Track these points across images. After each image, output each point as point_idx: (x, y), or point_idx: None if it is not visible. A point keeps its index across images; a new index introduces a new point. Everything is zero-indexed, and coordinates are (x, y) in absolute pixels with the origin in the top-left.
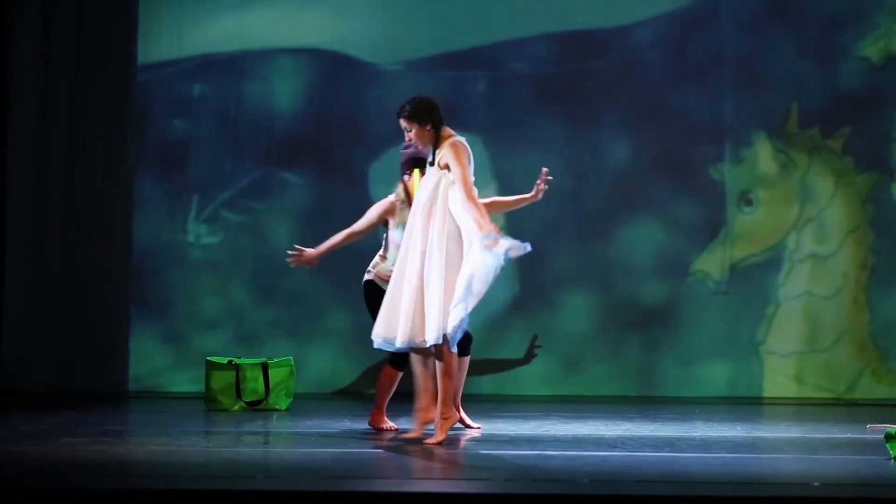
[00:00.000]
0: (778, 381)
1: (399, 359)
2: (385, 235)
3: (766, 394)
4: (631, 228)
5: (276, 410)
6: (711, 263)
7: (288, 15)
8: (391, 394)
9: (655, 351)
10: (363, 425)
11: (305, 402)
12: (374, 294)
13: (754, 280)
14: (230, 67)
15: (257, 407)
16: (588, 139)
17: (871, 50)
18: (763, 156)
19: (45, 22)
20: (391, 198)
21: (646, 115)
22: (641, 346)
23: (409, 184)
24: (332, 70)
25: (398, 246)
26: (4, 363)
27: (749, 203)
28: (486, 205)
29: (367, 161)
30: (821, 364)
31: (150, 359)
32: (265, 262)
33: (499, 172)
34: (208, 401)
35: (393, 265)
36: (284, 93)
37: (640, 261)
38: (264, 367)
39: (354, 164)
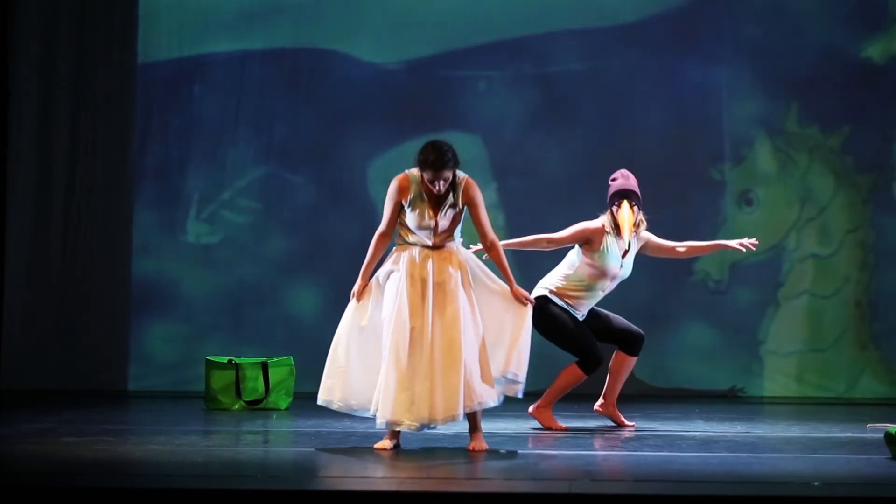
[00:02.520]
0: (778, 380)
1: (592, 362)
2: (577, 258)
3: (767, 393)
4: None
5: (276, 410)
6: (712, 263)
7: (287, 14)
8: (622, 381)
9: (656, 350)
10: (363, 424)
11: (305, 402)
12: (548, 310)
13: (755, 280)
14: (230, 67)
15: (257, 406)
16: (587, 139)
17: (873, 50)
18: (763, 155)
19: (46, 21)
20: (598, 223)
21: (646, 115)
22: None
23: (617, 215)
24: (331, 69)
25: (592, 274)
26: (5, 362)
27: (749, 203)
28: (686, 248)
29: (367, 160)
30: (821, 363)
31: (150, 358)
32: (265, 262)
33: (498, 172)
34: (208, 400)
35: (577, 283)
36: (284, 92)
37: (640, 260)
38: (264, 367)
39: (354, 163)
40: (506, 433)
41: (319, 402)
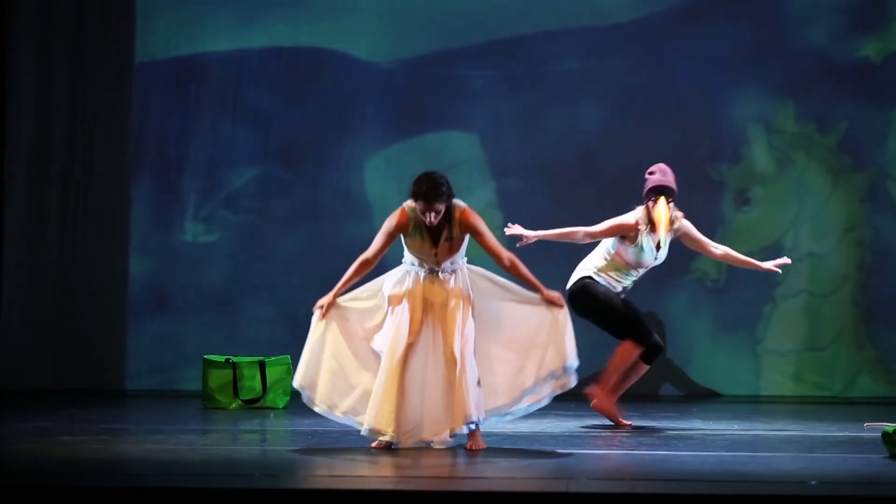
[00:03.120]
0: (775, 379)
1: (654, 354)
2: (612, 248)
3: (764, 392)
4: None
5: (274, 409)
6: (709, 262)
7: (285, 13)
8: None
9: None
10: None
11: (303, 401)
12: (594, 289)
13: (752, 279)
14: (228, 65)
15: (255, 405)
16: (585, 138)
17: (870, 49)
18: (760, 155)
19: (43, 20)
20: (632, 218)
21: (643, 115)
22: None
23: (653, 211)
24: (328, 68)
25: (627, 263)
26: (2, 361)
27: (747, 202)
28: (723, 254)
29: (364, 159)
30: (818, 362)
31: (147, 357)
32: (262, 261)
33: (495, 172)
34: (206, 399)
35: (613, 270)
36: (281, 91)
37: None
38: (261, 366)
39: (351, 162)
40: (503, 432)
41: (318, 409)
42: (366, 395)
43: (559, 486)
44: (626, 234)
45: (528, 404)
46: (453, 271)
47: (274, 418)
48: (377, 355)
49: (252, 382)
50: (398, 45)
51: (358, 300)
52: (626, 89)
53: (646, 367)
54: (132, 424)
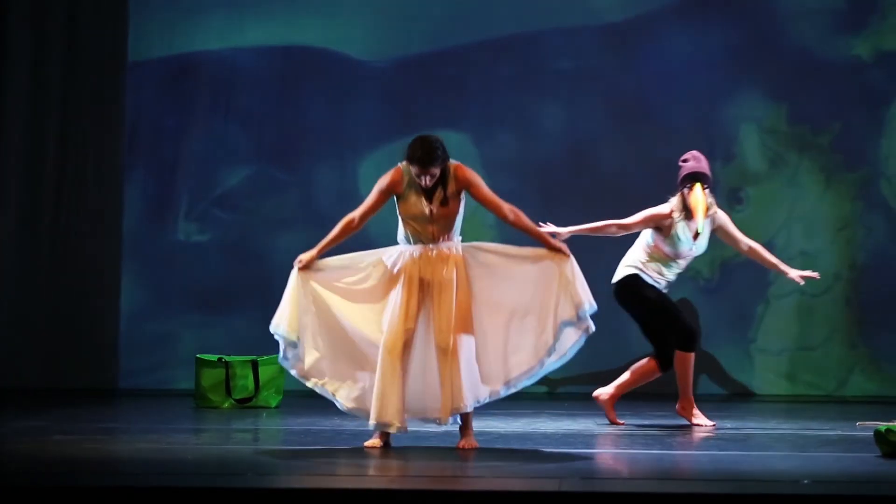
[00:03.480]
0: (769, 378)
1: (691, 339)
2: (650, 240)
3: (757, 391)
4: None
5: (266, 408)
6: (703, 262)
7: (278, 12)
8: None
9: (645, 348)
10: (353, 423)
11: (295, 400)
12: (641, 285)
13: (744, 278)
14: (221, 65)
15: (247, 404)
16: (577, 137)
17: (862, 48)
18: (753, 154)
19: (36, 20)
20: (667, 208)
21: (634, 114)
22: (631, 344)
23: (689, 198)
24: (322, 67)
25: (666, 255)
26: None
27: (739, 201)
28: (749, 249)
29: (358, 159)
30: (811, 361)
31: (139, 356)
32: (256, 260)
33: (488, 171)
34: (198, 398)
35: (655, 263)
36: (275, 90)
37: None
38: (254, 365)
39: (345, 161)
40: (496, 431)
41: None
42: (336, 366)
43: (551, 486)
44: (661, 225)
45: (552, 361)
46: (449, 248)
47: (266, 417)
48: (353, 323)
49: (245, 382)
50: (391, 45)
51: (344, 268)
52: (619, 89)
53: (658, 374)
54: (125, 423)
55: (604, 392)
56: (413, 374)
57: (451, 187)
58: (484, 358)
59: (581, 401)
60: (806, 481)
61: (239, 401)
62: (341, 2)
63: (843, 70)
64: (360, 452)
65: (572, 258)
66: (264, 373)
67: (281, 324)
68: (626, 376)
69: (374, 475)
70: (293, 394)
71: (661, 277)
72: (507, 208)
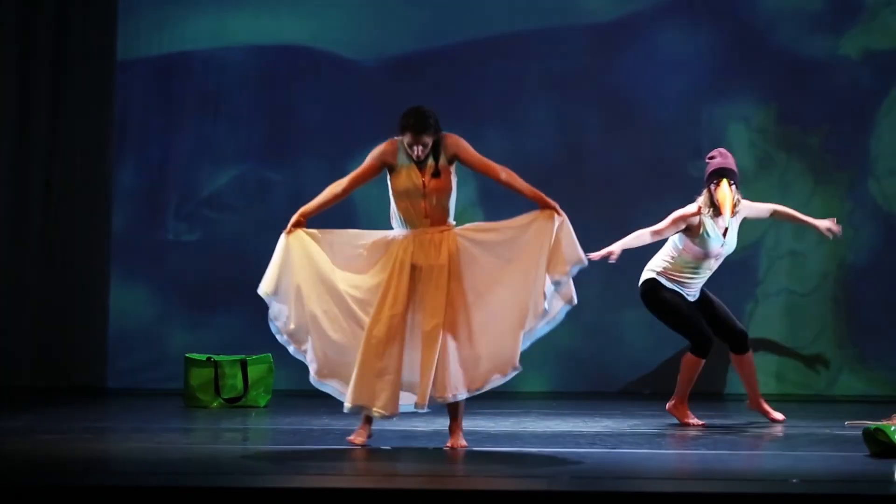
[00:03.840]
0: (757, 377)
1: (704, 345)
2: (679, 243)
3: (746, 390)
4: (608, 225)
5: (255, 407)
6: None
7: (267, 11)
8: (693, 384)
9: (635, 348)
10: (342, 422)
11: (284, 399)
12: (659, 294)
13: (733, 277)
14: (210, 64)
15: (236, 404)
16: (566, 136)
17: (850, 47)
18: (742, 153)
19: (24, 18)
20: (693, 207)
21: (623, 113)
22: (621, 344)
23: (716, 194)
24: (311, 67)
25: (696, 256)
26: None
27: None
28: (773, 212)
29: (347, 158)
30: (800, 361)
31: (128, 355)
32: (245, 259)
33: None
34: (187, 398)
35: (683, 265)
36: (264, 90)
37: (619, 258)
38: (243, 364)
39: (334, 161)
40: (484, 431)
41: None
42: (317, 336)
43: (540, 485)
44: (690, 225)
45: (542, 325)
46: (442, 232)
47: (255, 417)
48: (339, 295)
49: (234, 381)
50: (381, 44)
51: (339, 242)
52: (608, 88)
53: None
54: (114, 423)
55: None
56: (396, 361)
57: (443, 158)
58: (471, 350)
59: (569, 400)
60: (795, 480)
61: (228, 400)
62: (331, 1)
63: (832, 70)
64: (349, 452)
65: (565, 218)
66: (253, 372)
67: (262, 285)
68: (742, 379)
69: (363, 475)
70: (282, 393)
71: (688, 280)
72: (500, 168)
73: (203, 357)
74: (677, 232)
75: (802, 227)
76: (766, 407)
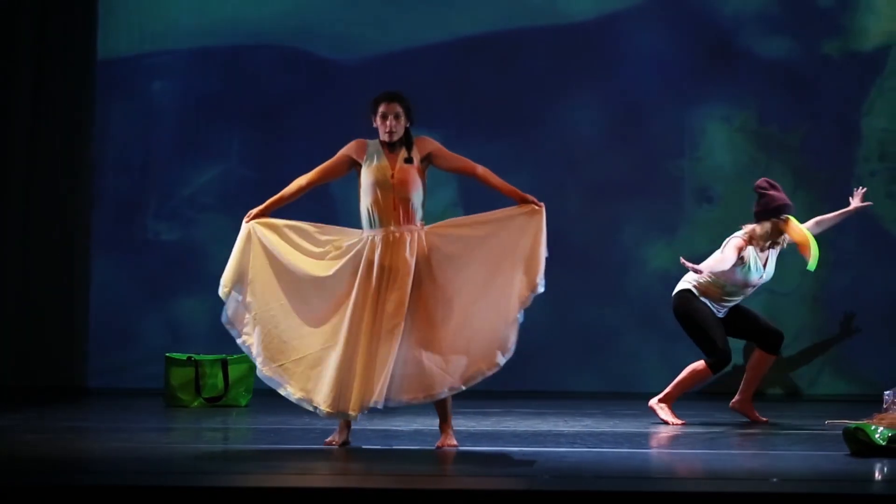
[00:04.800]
0: (738, 377)
1: (723, 363)
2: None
3: (727, 389)
4: (590, 224)
5: (236, 407)
6: (672, 260)
7: (248, 11)
8: (760, 379)
9: (616, 348)
10: (323, 422)
11: (265, 399)
12: (693, 303)
13: None
14: (190, 63)
15: (217, 403)
16: (546, 136)
17: (832, 47)
18: (722, 153)
19: (3, 17)
20: (742, 240)
21: (605, 113)
22: (601, 343)
23: (790, 232)
24: (291, 65)
25: (735, 283)
26: None
27: (708, 200)
28: (814, 223)
29: (327, 158)
30: (780, 360)
31: (108, 355)
32: (225, 259)
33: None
34: (167, 397)
35: (720, 288)
36: (244, 88)
37: (598, 257)
38: (224, 364)
39: (314, 161)
40: (465, 430)
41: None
42: (267, 328)
43: (521, 485)
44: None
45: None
46: (410, 232)
47: (236, 416)
48: (298, 288)
49: (214, 380)
50: (363, 43)
51: (303, 234)
52: (589, 87)
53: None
54: (94, 422)
55: (736, 400)
56: (357, 362)
57: (415, 151)
58: (448, 348)
59: (550, 399)
60: (775, 479)
61: (208, 399)
62: (311, 1)
63: (814, 70)
64: (330, 451)
65: (542, 214)
66: (234, 372)
67: (221, 280)
68: (747, 376)
69: (344, 474)
70: (263, 393)
71: (723, 301)
72: (475, 165)
73: (183, 356)
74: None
75: None
76: (752, 409)
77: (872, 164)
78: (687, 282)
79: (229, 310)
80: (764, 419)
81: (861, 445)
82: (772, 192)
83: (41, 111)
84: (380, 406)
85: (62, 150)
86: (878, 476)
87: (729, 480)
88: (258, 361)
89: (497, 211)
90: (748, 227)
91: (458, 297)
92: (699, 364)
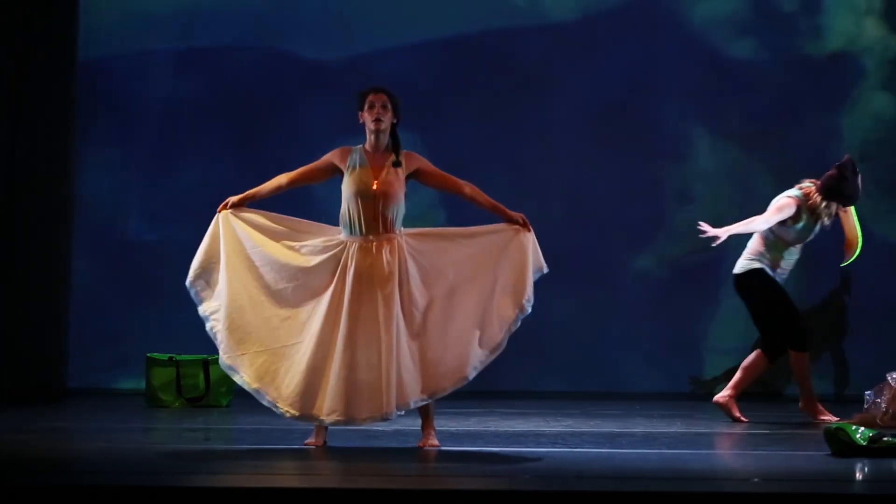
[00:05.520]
0: (719, 377)
1: (808, 335)
2: (768, 233)
3: (707, 390)
4: (570, 225)
5: (217, 407)
6: (653, 260)
7: (229, 11)
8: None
9: (597, 348)
10: (304, 423)
11: (246, 399)
12: (763, 278)
13: (695, 277)
14: (172, 63)
15: (198, 404)
16: (528, 136)
17: (812, 48)
18: (704, 153)
19: None
20: (794, 200)
21: (585, 113)
22: (583, 343)
23: (847, 221)
24: (272, 66)
25: (787, 243)
26: None
27: (689, 200)
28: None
29: (310, 158)
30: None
31: (90, 355)
32: None
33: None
34: (149, 397)
35: (776, 253)
36: (227, 89)
37: (580, 258)
38: (205, 364)
39: (297, 160)
40: (446, 430)
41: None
42: (233, 316)
43: (502, 485)
44: (790, 214)
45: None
46: (390, 240)
47: (217, 417)
48: (268, 277)
49: (195, 381)
50: (343, 44)
51: (278, 225)
52: (568, 88)
53: (769, 366)
54: (75, 423)
55: (722, 395)
56: (334, 369)
57: (403, 161)
58: (423, 356)
59: (531, 399)
60: (756, 479)
61: (189, 400)
62: (290, 1)
63: (795, 70)
64: (311, 452)
65: (530, 234)
66: (215, 372)
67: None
68: (739, 375)
69: (325, 474)
70: (243, 393)
71: (781, 268)
72: (463, 183)
73: (165, 357)
74: (782, 219)
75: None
76: (736, 408)
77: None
78: (752, 259)
79: (198, 297)
80: (745, 419)
81: (842, 445)
82: (851, 179)
83: (23, 111)
84: (391, 417)
85: (44, 152)
86: (858, 476)
87: (710, 480)
88: (220, 349)
89: (481, 227)
90: (806, 188)
91: (432, 310)
92: (795, 355)
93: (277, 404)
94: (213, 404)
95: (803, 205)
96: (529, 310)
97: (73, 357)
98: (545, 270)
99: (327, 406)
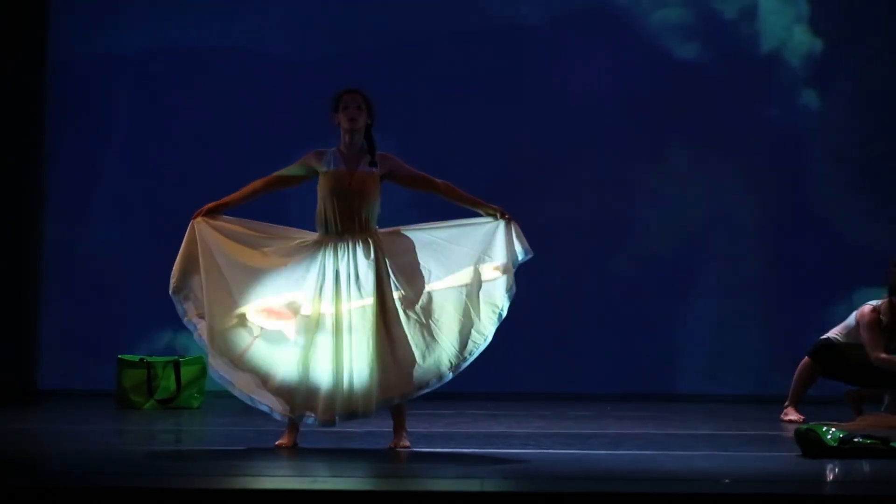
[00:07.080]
0: (690, 378)
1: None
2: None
3: (678, 391)
4: (543, 225)
5: (188, 408)
6: (622, 263)
7: (199, 12)
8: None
9: (570, 349)
10: (275, 424)
11: (217, 401)
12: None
13: (667, 278)
14: (144, 64)
15: (169, 405)
16: (503, 138)
17: (785, 48)
18: (676, 154)
19: None
20: (874, 314)
21: (559, 114)
22: (555, 345)
23: None
24: (248, 67)
25: None
26: None
27: (661, 201)
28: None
29: (284, 162)
30: (731, 361)
31: (61, 356)
32: None
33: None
34: (119, 399)
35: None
36: (199, 90)
37: (552, 259)
38: (176, 365)
39: (272, 162)
40: (418, 431)
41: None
42: (215, 316)
43: (474, 486)
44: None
45: (480, 347)
46: (366, 240)
47: (188, 418)
48: (243, 280)
49: (166, 382)
50: (320, 45)
51: (252, 230)
52: (543, 90)
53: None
54: (45, 424)
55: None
56: (326, 367)
57: (378, 161)
58: (401, 355)
59: (503, 401)
60: (727, 480)
61: (161, 401)
62: (264, 3)
63: (766, 70)
64: (282, 453)
65: (511, 223)
66: (186, 373)
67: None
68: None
69: (296, 475)
70: (215, 394)
71: None
72: (438, 181)
73: (136, 358)
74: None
75: (735, 229)
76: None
77: (823, 165)
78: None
79: (181, 306)
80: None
81: (812, 446)
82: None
83: None
84: (370, 415)
85: (14, 152)
86: (829, 477)
87: (681, 481)
88: (209, 355)
89: (459, 220)
90: (878, 302)
91: (412, 307)
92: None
93: (270, 406)
94: (184, 405)
95: (884, 316)
96: (508, 302)
97: (43, 358)
98: (531, 254)
99: (321, 406)
